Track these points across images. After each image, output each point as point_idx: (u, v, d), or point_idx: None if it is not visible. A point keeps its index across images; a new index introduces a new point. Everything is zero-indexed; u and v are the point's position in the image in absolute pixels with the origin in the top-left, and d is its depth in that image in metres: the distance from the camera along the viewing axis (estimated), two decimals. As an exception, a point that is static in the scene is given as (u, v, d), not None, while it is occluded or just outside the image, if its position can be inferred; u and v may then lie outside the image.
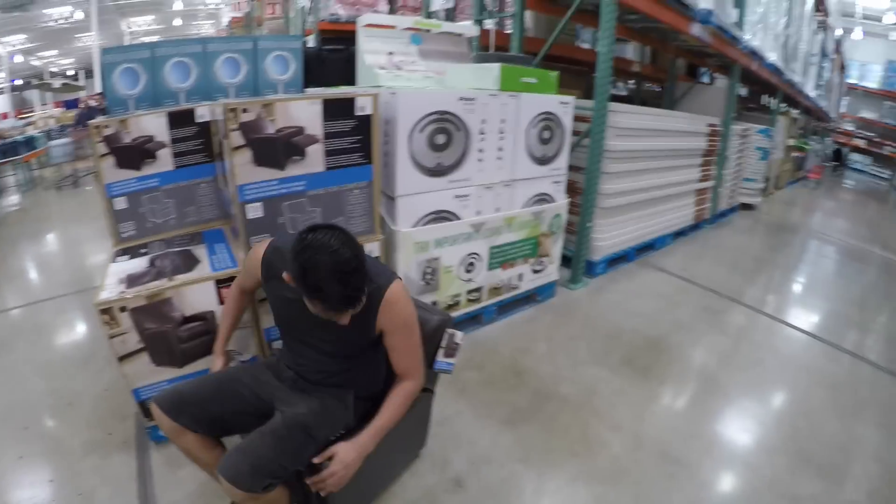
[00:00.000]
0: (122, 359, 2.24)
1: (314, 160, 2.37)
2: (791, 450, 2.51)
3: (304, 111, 2.30)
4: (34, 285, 4.69)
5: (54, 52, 25.52)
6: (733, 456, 2.52)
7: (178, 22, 24.88)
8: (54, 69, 27.00)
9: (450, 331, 2.09)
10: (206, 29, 26.95)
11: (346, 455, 1.62)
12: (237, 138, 2.18)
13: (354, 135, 2.44)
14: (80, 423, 2.67)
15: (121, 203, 2.59)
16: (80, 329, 3.71)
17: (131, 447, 2.50)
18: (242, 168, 2.21)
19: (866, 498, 2.26)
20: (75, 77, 27.08)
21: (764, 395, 3.00)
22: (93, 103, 10.95)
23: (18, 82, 24.35)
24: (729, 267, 5.03)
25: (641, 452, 2.46)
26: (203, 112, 2.66)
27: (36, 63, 25.63)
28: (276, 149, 2.27)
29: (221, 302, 2.36)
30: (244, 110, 2.16)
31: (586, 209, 3.89)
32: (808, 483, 2.31)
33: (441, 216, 2.88)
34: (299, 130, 2.31)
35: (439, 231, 2.86)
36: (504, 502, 2.18)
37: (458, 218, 2.94)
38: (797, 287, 4.97)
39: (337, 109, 2.37)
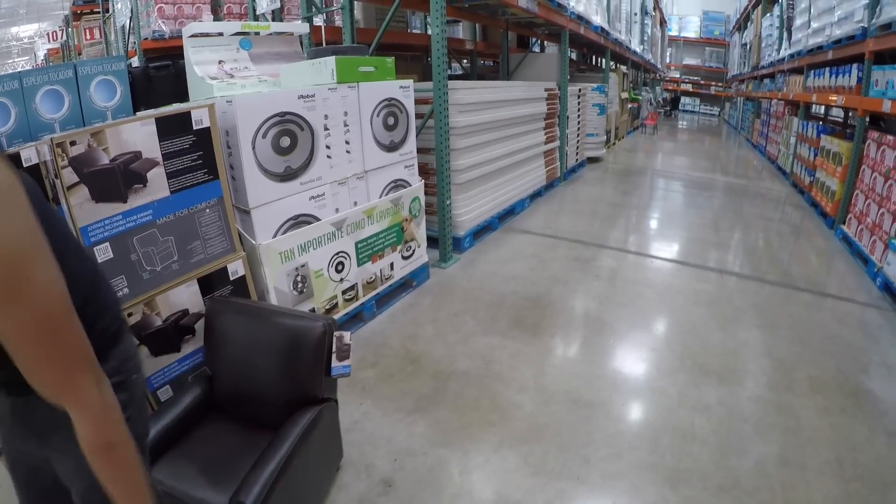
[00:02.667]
0: None
1: (157, 185, 2.17)
2: (688, 366, 2.74)
3: (138, 133, 2.09)
4: None
5: None
6: (638, 385, 2.69)
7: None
8: None
9: (336, 334, 2.03)
10: (22, 66, 24.47)
11: None
12: (69, 175, 1.94)
13: (195, 150, 2.27)
14: None
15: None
16: None
17: None
18: (81, 208, 1.99)
19: (767, 390, 2.55)
20: None
21: (650, 324, 3.25)
22: None
23: None
24: (588, 217, 5.39)
25: (554, 405, 2.54)
26: (29, 154, 2.32)
27: None
28: (115, 179, 2.05)
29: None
30: (72, 143, 1.92)
31: (442, 187, 3.96)
32: (713, 391, 2.54)
33: (300, 221, 2.78)
34: (136, 155, 2.10)
35: (301, 236, 2.76)
36: (438, 489, 2.15)
37: (317, 219, 2.86)
38: (655, 222, 5.45)
39: (172, 126, 2.19)
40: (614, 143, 9.70)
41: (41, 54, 18.49)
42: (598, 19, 7.39)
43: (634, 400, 2.58)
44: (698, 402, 2.47)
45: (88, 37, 8.79)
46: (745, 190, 6.93)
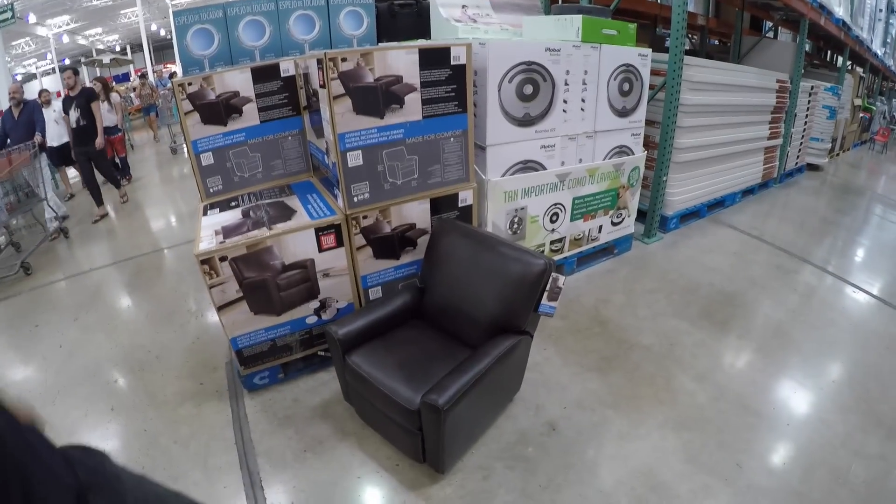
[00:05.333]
0: (220, 308, 2.32)
1: (412, 108, 2.40)
2: (863, 410, 2.49)
3: (402, 60, 2.32)
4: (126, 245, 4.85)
5: (99, 29, 26.06)
6: (808, 411, 2.52)
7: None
8: (101, 46, 27.60)
9: (554, 274, 2.11)
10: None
11: None
12: (336, 87, 2.20)
13: (450, 84, 2.46)
14: (170, 374, 2.79)
15: (207, 159, 2.66)
16: (161, 285, 3.85)
17: (224, 396, 2.61)
18: (342, 117, 2.25)
19: None
20: (123, 52, 27.68)
21: (836, 355, 2.96)
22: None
23: (67, 61, 24.98)
24: (798, 227, 4.91)
25: (723, 403, 2.49)
26: (287, 66, 2.69)
27: (83, 42, 26.24)
28: (376, 97, 2.31)
29: (321, 249, 2.43)
30: (343, 59, 2.19)
31: (661, 163, 3.85)
32: (879, 443, 2.29)
33: (528, 166, 2.89)
34: (398, 79, 2.33)
35: (527, 181, 2.87)
36: (597, 446, 2.24)
37: (544, 168, 2.94)
38: (865, 250, 4.79)
39: (433, 59, 2.39)
40: (838, 154, 8.64)
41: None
42: (840, 11, 6.53)
43: (800, 423, 2.43)
44: (861, 449, 2.25)
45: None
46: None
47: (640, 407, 2.45)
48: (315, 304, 2.57)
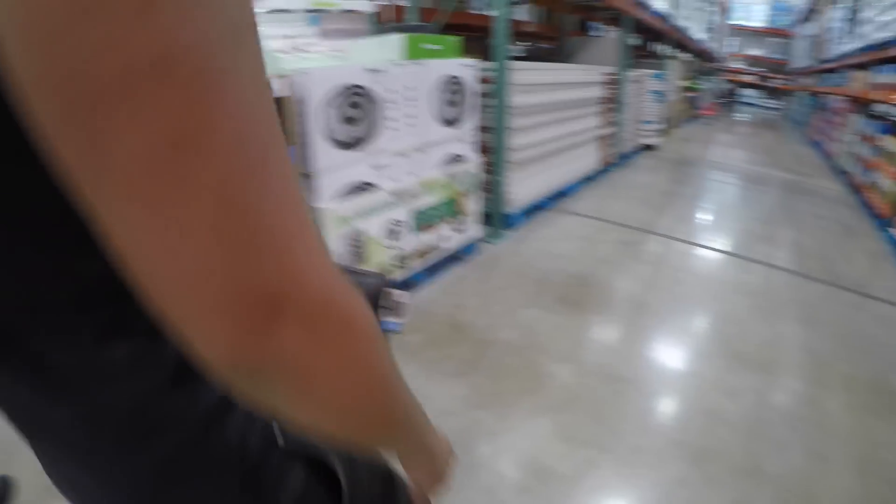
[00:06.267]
0: None
1: None
2: (726, 352, 2.83)
3: None
4: None
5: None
6: (674, 366, 2.80)
7: None
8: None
9: (387, 290, 2.19)
10: None
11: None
12: None
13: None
14: None
15: None
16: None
17: None
18: None
19: (801, 382, 2.62)
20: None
21: (691, 309, 3.33)
22: None
23: None
24: (639, 203, 5.41)
25: (589, 378, 2.66)
26: None
27: None
28: None
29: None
30: None
31: (497, 165, 4.09)
32: (748, 378, 2.62)
33: (360, 188, 2.95)
34: None
35: (360, 203, 2.93)
36: (472, 448, 2.27)
37: (377, 187, 3.02)
38: (705, 213, 5.43)
39: None
40: (671, 132, 9.57)
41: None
42: (659, 3, 7.25)
43: (668, 379, 2.69)
44: (731, 387, 2.56)
45: None
46: (798, 186, 6.77)
47: (508, 400, 2.54)
48: None
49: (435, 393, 2.64)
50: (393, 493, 0.71)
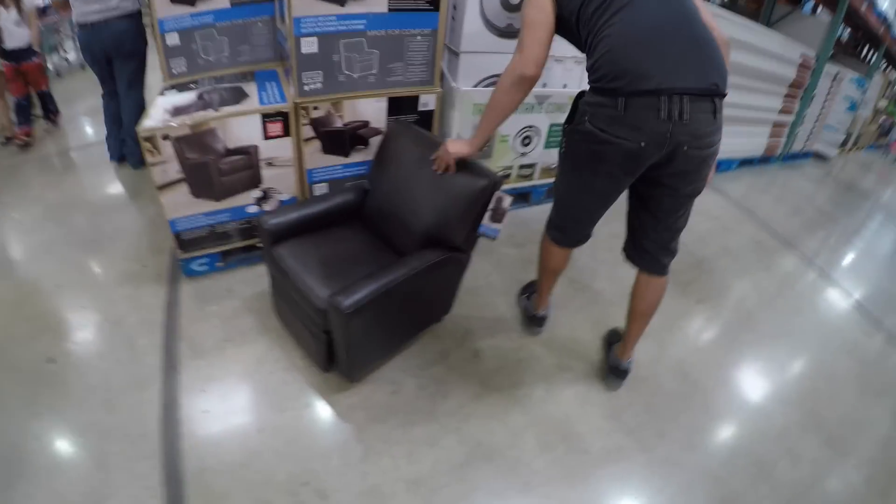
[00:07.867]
0: (161, 188, 2.25)
1: None
2: (806, 408, 2.37)
3: None
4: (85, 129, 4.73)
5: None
6: (749, 396, 2.43)
7: None
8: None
9: (499, 194, 1.97)
10: None
11: (451, 145, 1.99)
12: None
13: (422, -23, 2.26)
14: (118, 256, 2.77)
15: (173, 39, 2.52)
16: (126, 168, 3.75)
17: (163, 279, 2.58)
18: (300, 1, 2.07)
19: (864, 482, 2.08)
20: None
21: (793, 346, 2.82)
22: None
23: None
24: (791, 211, 4.73)
25: (661, 365, 2.40)
26: None
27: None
28: None
29: (267, 136, 2.31)
30: None
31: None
32: (814, 446, 2.18)
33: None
34: None
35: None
36: (516, 382, 2.18)
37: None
38: (854, 251, 4.60)
39: None
40: (849, 151, 8.35)
41: None
42: (885, 4, 6.19)
43: (736, 406, 2.36)
44: (794, 447, 2.15)
45: None
46: None
47: (575, 350, 2.35)
48: (257, 193, 2.45)
49: (505, 312, 2.53)
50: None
